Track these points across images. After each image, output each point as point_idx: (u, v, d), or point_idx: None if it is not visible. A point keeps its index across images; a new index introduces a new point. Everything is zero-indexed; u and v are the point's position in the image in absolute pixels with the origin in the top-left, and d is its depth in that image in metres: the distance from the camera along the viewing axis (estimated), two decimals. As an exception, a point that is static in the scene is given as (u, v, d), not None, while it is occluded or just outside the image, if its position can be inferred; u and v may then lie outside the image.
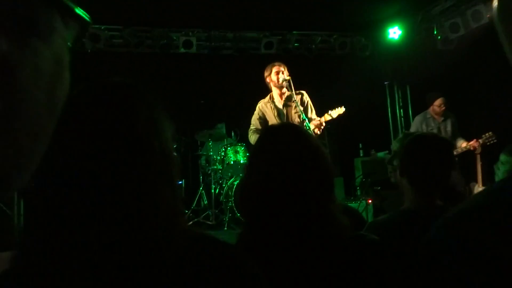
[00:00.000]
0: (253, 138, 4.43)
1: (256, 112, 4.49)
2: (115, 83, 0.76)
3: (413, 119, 7.51)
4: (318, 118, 4.26)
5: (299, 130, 1.19)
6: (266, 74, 4.40)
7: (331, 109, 4.35)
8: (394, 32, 7.12)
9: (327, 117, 4.28)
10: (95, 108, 0.70)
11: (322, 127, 4.24)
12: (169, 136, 0.75)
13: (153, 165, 0.69)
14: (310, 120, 4.26)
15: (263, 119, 4.44)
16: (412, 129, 5.27)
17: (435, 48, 6.70)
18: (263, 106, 4.43)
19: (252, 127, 4.52)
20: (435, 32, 6.65)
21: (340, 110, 4.34)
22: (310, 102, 4.44)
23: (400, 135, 2.01)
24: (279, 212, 1.06)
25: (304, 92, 4.44)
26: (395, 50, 7.29)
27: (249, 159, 1.20)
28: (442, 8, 6.43)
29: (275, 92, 4.42)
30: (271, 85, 4.39)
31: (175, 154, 0.76)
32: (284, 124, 1.31)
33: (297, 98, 4.29)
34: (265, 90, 4.56)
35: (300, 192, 1.06)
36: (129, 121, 0.69)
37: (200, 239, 0.72)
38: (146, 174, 0.68)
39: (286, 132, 1.17)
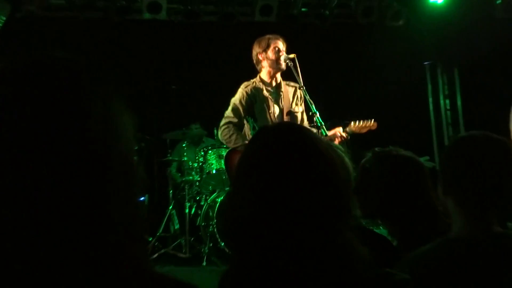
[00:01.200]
0: (237, 136, 4.29)
1: (241, 99, 4.37)
2: (56, 61, 0.75)
3: (463, 113, 7.59)
4: (339, 129, 4.28)
5: (305, 133, 1.20)
6: (258, 49, 4.40)
7: (358, 120, 4.42)
8: (438, -6, 7.13)
9: (353, 129, 4.36)
10: (26, 97, 0.69)
11: (343, 139, 4.28)
12: (130, 137, 0.76)
13: (108, 178, 0.70)
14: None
15: (248, 110, 4.35)
16: None
17: (493, 16, 6.74)
18: (251, 91, 4.38)
19: (231, 119, 4.34)
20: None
21: (371, 124, 4.43)
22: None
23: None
24: (277, 244, 1.08)
25: (297, 85, 4.40)
26: (439, 18, 7.31)
27: (237, 171, 1.22)
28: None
29: (267, 76, 4.41)
30: (264, 65, 4.39)
31: (136, 160, 0.78)
32: (282, 124, 1.37)
33: (289, 89, 4.33)
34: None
35: (304, 217, 1.08)
36: (78, 118, 0.70)
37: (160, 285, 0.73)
38: (99, 190, 0.68)
39: (286, 135, 1.19)
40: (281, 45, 4.35)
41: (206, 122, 6.17)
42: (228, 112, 4.39)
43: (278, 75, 4.41)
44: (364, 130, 4.41)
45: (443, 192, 1.66)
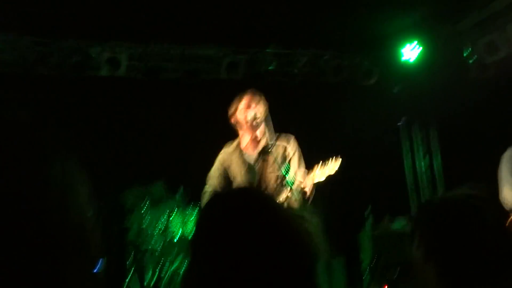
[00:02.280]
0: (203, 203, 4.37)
1: (215, 166, 4.45)
2: (12, 119, 0.75)
3: (443, 171, 7.67)
4: (300, 180, 4.22)
5: (262, 199, 1.21)
6: (230, 111, 4.38)
7: (321, 163, 4.30)
8: (411, 50, 7.34)
9: (314, 177, 4.24)
10: None
11: (308, 195, 4.19)
12: (85, 201, 0.77)
13: (63, 249, 0.70)
14: (293, 179, 4.22)
15: (224, 177, 4.39)
16: (504, 173, 5.17)
17: (466, 76, 6.97)
18: (224, 157, 4.42)
19: (207, 188, 4.43)
20: (465, 54, 6.94)
21: (335, 163, 4.31)
22: (297, 154, 4.41)
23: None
24: None
25: (291, 138, 4.43)
26: (412, 77, 7.55)
27: (191, 241, 1.23)
28: (474, 21, 6.75)
29: (245, 138, 4.40)
30: (238, 127, 4.37)
31: (92, 226, 0.78)
32: (239, 190, 1.44)
33: (277, 148, 4.28)
34: (225, 131, 4.52)
35: None
36: (36, 181, 0.70)
37: None
38: (51, 259, 0.69)
39: (241, 203, 1.19)
40: (253, 102, 4.30)
41: (170, 182, 6.09)
42: (209, 179, 4.45)
43: (255, 131, 4.31)
44: (329, 173, 4.24)
45: (422, 259, 1.63)
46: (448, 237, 1.60)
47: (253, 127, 4.27)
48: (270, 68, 7.09)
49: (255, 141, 4.36)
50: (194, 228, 1.23)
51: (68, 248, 0.71)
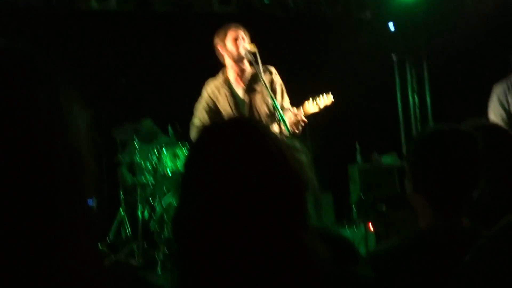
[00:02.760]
0: (192, 138, 4.42)
1: (202, 98, 4.45)
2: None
3: (432, 108, 7.74)
4: (294, 110, 4.25)
5: (254, 129, 1.20)
6: (217, 40, 4.35)
7: (314, 97, 4.33)
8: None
9: (308, 108, 4.27)
10: None
11: (302, 125, 4.23)
12: (81, 129, 0.75)
13: (54, 172, 0.69)
14: (283, 110, 4.25)
15: (213, 111, 4.40)
16: (493, 104, 5.24)
17: (463, 9, 6.89)
18: (213, 90, 4.40)
19: (195, 120, 4.46)
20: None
21: (327, 99, 4.34)
22: (281, 84, 4.44)
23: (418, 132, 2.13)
24: (227, 250, 1.09)
25: (272, 68, 4.43)
26: (407, 11, 7.44)
27: (182, 175, 1.22)
28: None
29: (231, 69, 4.39)
30: (226, 57, 4.36)
31: (89, 153, 0.77)
32: (230, 120, 1.34)
33: (264, 77, 4.27)
34: (217, 66, 4.51)
35: (253, 220, 1.09)
36: (21, 108, 0.69)
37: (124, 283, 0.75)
38: (43, 185, 0.68)
39: (232, 133, 1.18)
40: (241, 34, 4.29)
41: (160, 118, 6.11)
42: (196, 110, 4.44)
43: (247, 65, 4.33)
44: (321, 107, 4.27)
45: (412, 189, 1.70)
46: (434, 166, 1.65)
47: (241, 59, 4.26)
48: (264, 1, 6.99)
49: (242, 72, 4.35)
50: (185, 162, 1.22)
51: (61, 169, 0.71)
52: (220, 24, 4.49)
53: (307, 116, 4.26)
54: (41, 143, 0.69)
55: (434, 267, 1.54)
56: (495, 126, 2.14)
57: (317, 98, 4.31)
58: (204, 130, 1.28)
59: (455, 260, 1.53)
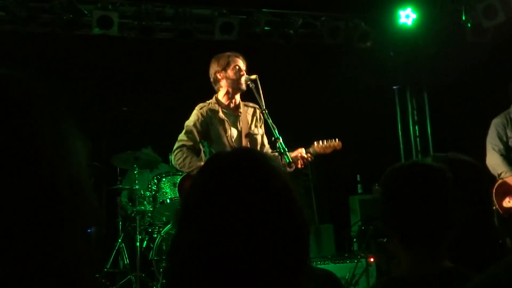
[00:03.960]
0: (191, 159, 4.22)
1: (195, 121, 4.32)
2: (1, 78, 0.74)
3: (432, 138, 7.77)
4: (300, 151, 4.29)
5: (263, 161, 1.16)
6: (217, 67, 4.34)
7: (321, 140, 4.40)
8: (407, 16, 7.36)
9: (316, 149, 4.35)
10: None
11: (305, 162, 4.28)
12: (82, 160, 0.75)
13: (56, 204, 0.68)
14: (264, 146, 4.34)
15: (203, 134, 4.31)
16: (490, 138, 5.29)
17: (463, 40, 6.96)
18: (207, 113, 4.32)
19: (185, 142, 4.28)
20: (463, 18, 6.92)
21: (336, 144, 4.43)
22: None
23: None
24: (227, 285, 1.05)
25: (256, 106, 4.42)
26: (408, 41, 7.52)
27: (183, 205, 1.18)
28: (473, -16, 6.73)
29: (225, 96, 4.37)
30: (223, 84, 4.34)
31: (89, 185, 0.77)
32: (238, 150, 1.31)
33: (249, 110, 4.36)
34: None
35: (259, 259, 1.05)
36: (24, 137, 0.69)
37: None
38: (45, 217, 0.67)
39: (242, 163, 1.15)
40: (241, 64, 4.33)
41: (160, 146, 6.11)
42: (182, 135, 4.33)
43: (237, 96, 4.37)
44: (329, 150, 4.40)
45: (384, 231, 1.71)
46: (404, 205, 1.58)
47: (241, 89, 4.28)
48: (265, 29, 7.04)
49: (234, 102, 4.35)
50: (188, 189, 1.17)
51: (62, 200, 0.70)
52: (221, 52, 4.52)
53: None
54: (44, 174, 0.69)
55: None
56: (462, 160, 1.98)
57: (326, 143, 4.40)
58: (213, 157, 1.25)
59: None
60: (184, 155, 4.24)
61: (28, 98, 0.73)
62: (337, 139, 4.46)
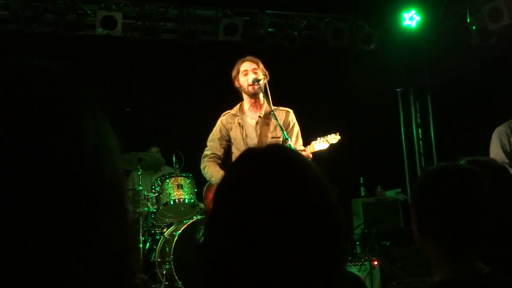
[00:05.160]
0: (208, 169, 4.45)
1: (217, 129, 4.51)
2: (35, 70, 0.72)
3: (435, 141, 7.80)
4: (303, 149, 4.34)
5: (297, 157, 1.13)
6: (233, 75, 4.44)
7: (321, 135, 4.41)
8: (411, 18, 7.39)
9: (314, 146, 4.36)
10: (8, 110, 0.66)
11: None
12: (120, 158, 0.75)
13: (103, 196, 0.69)
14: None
15: (226, 140, 4.48)
16: (493, 148, 5.29)
17: (468, 43, 6.99)
18: (227, 120, 4.47)
19: (207, 151, 4.52)
20: (468, 20, 6.95)
21: (335, 138, 4.42)
22: (296, 126, 4.50)
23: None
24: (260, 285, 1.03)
25: (291, 111, 4.50)
26: (412, 43, 7.56)
27: (214, 204, 1.15)
28: (478, -14, 6.74)
29: (246, 101, 4.47)
30: (241, 90, 4.44)
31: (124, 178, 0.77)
32: (270, 146, 1.22)
33: (279, 115, 4.36)
34: (230, 98, 4.58)
35: (295, 261, 1.03)
36: (70, 132, 0.68)
37: None
38: (95, 208, 0.68)
39: (278, 161, 1.11)
40: (247, 66, 4.36)
41: (164, 148, 6.14)
42: (209, 141, 4.53)
43: (258, 99, 4.40)
44: (327, 146, 4.36)
45: (418, 231, 1.66)
46: (440, 206, 1.60)
47: (255, 91, 4.32)
48: (269, 30, 7.05)
49: (257, 105, 4.41)
50: (218, 186, 1.15)
51: (109, 192, 0.70)
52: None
53: (313, 154, 4.36)
54: (89, 171, 0.68)
55: None
56: (497, 164, 2.04)
57: (325, 137, 4.40)
58: (244, 155, 1.19)
59: None
60: (204, 164, 4.49)
61: (72, 94, 0.72)
62: (335, 133, 4.42)
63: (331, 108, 7.24)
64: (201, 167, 4.52)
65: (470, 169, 1.67)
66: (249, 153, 1.19)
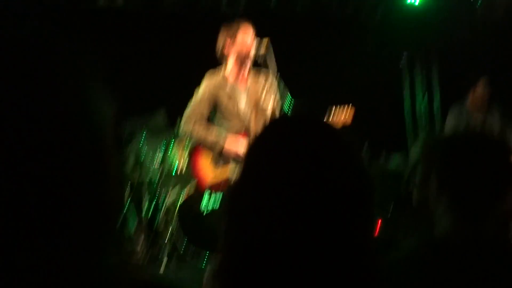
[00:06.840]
0: (186, 129, 4.24)
1: (203, 91, 4.25)
2: (16, 35, 0.68)
3: (441, 112, 7.82)
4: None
5: (329, 129, 1.12)
6: (225, 36, 4.25)
7: (332, 110, 4.35)
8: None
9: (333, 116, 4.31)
10: None
11: None
12: (108, 122, 0.73)
13: (77, 170, 0.66)
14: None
15: (212, 105, 4.26)
16: (448, 126, 5.44)
17: (472, 16, 6.99)
18: (215, 86, 4.24)
19: (190, 114, 4.25)
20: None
21: (349, 112, 4.35)
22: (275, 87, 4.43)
23: (421, 138, 2.10)
24: (287, 251, 1.00)
25: (269, 72, 4.38)
26: (416, 16, 7.55)
27: (246, 162, 1.11)
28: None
29: (232, 64, 4.29)
30: (231, 53, 4.25)
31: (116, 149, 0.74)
32: (302, 117, 1.19)
33: (259, 79, 4.33)
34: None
35: (321, 228, 1.01)
36: (45, 97, 0.65)
37: None
38: (66, 183, 0.64)
39: (305, 128, 1.10)
40: (251, 31, 4.26)
41: (168, 112, 6.16)
42: (193, 103, 4.29)
43: (247, 66, 4.27)
44: (344, 119, 4.32)
45: (437, 190, 1.68)
46: (460, 169, 1.64)
47: (250, 57, 4.20)
48: (273, 1, 7.06)
49: (241, 72, 4.28)
50: (246, 156, 1.11)
51: (86, 168, 0.67)
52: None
53: None
54: (64, 135, 0.65)
55: (448, 278, 1.52)
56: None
57: (339, 109, 4.34)
58: (275, 122, 1.19)
59: (474, 270, 1.53)
60: (192, 126, 4.23)
61: (46, 52, 0.69)
62: (349, 105, 4.36)
63: (334, 80, 7.25)
64: (185, 128, 4.26)
65: (497, 139, 1.72)
66: (281, 122, 1.20)
